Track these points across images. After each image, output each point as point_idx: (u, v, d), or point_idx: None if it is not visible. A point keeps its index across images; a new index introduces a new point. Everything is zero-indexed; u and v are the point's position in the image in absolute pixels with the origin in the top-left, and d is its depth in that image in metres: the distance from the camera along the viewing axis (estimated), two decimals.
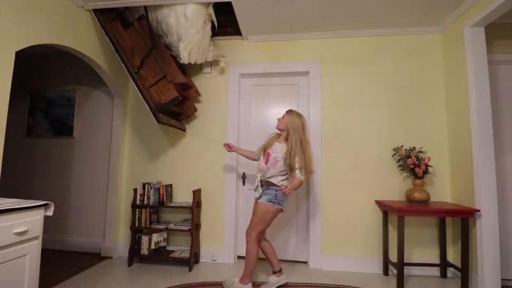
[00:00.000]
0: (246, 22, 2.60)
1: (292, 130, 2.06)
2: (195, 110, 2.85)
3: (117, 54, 2.38)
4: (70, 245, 3.06)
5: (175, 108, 2.57)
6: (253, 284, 2.13)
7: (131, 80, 2.38)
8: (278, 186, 2.07)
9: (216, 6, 2.44)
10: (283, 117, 2.17)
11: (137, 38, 2.46)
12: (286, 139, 2.12)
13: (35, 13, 1.92)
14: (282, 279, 2.21)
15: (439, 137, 2.57)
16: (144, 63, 2.39)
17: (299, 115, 2.12)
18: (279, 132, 2.23)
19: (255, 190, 2.16)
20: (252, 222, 2.12)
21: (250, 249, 2.07)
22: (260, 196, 2.11)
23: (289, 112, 2.15)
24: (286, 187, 2.02)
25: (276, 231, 2.77)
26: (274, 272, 2.22)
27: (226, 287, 2.14)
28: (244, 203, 2.84)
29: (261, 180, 2.15)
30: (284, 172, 2.09)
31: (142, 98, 2.34)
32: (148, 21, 2.45)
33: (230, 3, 2.30)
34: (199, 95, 2.87)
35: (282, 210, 2.13)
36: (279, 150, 2.11)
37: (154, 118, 2.31)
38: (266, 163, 2.12)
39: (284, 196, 2.06)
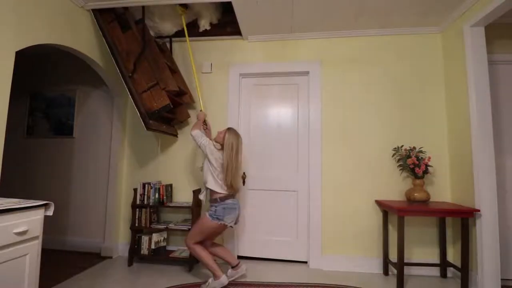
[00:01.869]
0: (246, 22, 2.60)
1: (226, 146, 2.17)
2: (188, 116, 2.85)
3: (112, 57, 2.38)
4: (70, 245, 3.06)
5: (167, 114, 2.57)
6: (253, 284, 2.12)
7: (124, 84, 2.35)
8: (215, 200, 2.16)
9: (216, 6, 2.44)
10: (223, 131, 2.26)
11: (133, 43, 2.45)
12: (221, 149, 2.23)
13: (35, 13, 1.92)
14: (240, 271, 2.27)
15: (439, 137, 2.57)
16: (137, 67, 2.37)
17: (234, 135, 2.22)
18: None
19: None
20: (191, 231, 2.20)
21: (196, 253, 2.13)
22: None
23: (229, 129, 2.26)
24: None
25: (276, 231, 2.78)
26: (232, 267, 2.27)
27: None
28: (244, 203, 2.84)
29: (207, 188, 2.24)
30: (215, 175, 2.17)
31: (133, 104, 2.32)
32: (143, 22, 2.46)
33: (230, 3, 2.30)
34: (193, 101, 2.87)
35: (226, 226, 2.13)
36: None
37: (143, 125, 2.30)
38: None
39: (224, 211, 2.10)
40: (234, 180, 2.15)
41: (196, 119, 2.61)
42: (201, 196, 2.31)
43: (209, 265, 2.10)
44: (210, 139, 2.37)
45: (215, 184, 2.17)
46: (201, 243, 2.18)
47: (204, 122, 2.53)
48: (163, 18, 2.67)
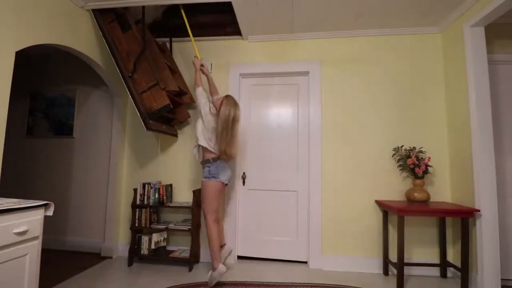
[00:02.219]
0: (246, 22, 2.60)
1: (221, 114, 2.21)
2: (188, 116, 2.86)
3: (112, 57, 2.38)
4: (70, 245, 3.06)
5: (168, 114, 2.57)
6: (253, 284, 2.13)
7: (124, 84, 2.36)
8: (208, 159, 2.23)
9: (216, 6, 2.43)
10: (221, 98, 2.30)
11: (133, 43, 2.45)
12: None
13: (35, 13, 1.92)
14: (225, 252, 2.38)
15: (439, 137, 2.57)
16: (137, 67, 2.38)
17: (232, 103, 2.25)
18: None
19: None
20: (202, 205, 2.28)
21: (210, 233, 2.19)
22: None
23: (227, 97, 2.30)
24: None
25: (276, 231, 2.78)
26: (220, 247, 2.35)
27: (209, 283, 2.17)
28: (244, 203, 2.84)
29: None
30: (206, 137, 2.25)
31: (133, 104, 2.33)
32: (143, 22, 2.45)
33: (230, 3, 2.30)
34: (193, 101, 2.87)
35: (223, 183, 2.24)
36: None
37: (143, 125, 2.31)
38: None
39: (217, 169, 2.20)
40: (228, 147, 2.19)
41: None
42: (194, 151, 2.41)
43: (214, 251, 2.16)
44: (211, 89, 2.55)
45: (206, 144, 2.25)
46: (217, 221, 2.26)
47: (202, 66, 2.53)
48: None
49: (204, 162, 2.28)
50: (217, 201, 2.23)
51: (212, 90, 2.58)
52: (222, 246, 2.40)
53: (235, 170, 2.82)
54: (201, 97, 2.30)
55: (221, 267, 2.12)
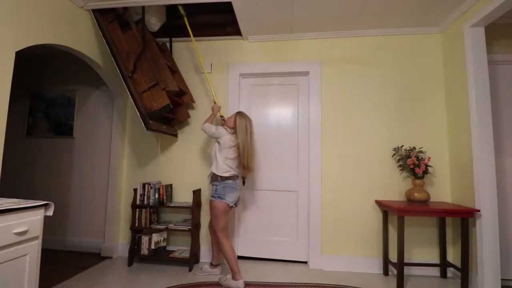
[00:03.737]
0: (246, 22, 2.60)
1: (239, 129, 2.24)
2: (188, 116, 2.86)
3: (112, 57, 2.38)
4: (70, 245, 3.06)
5: (168, 114, 2.57)
6: (253, 284, 2.12)
7: (124, 84, 2.36)
8: (216, 179, 2.20)
9: (216, 6, 2.43)
10: (232, 116, 2.35)
11: (133, 42, 2.45)
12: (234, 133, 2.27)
13: (35, 13, 1.92)
14: (215, 271, 2.41)
15: (439, 137, 2.57)
16: (137, 67, 2.37)
17: (245, 118, 2.30)
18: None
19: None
20: (212, 222, 2.25)
21: (224, 248, 2.16)
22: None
23: (239, 113, 2.33)
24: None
25: (276, 231, 2.78)
26: (211, 264, 2.44)
27: (221, 282, 2.20)
28: (244, 203, 2.84)
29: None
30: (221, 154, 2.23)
31: (133, 104, 2.32)
32: (143, 22, 2.45)
33: (230, 3, 2.30)
34: (193, 101, 2.88)
35: (228, 205, 2.18)
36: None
37: (143, 125, 2.30)
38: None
39: (224, 189, 2.17)
40: (250, 160, 2.23)
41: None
42: (208, 178, 2.38)
43: (232, 264, 2.13)
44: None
45: (215, 167, 2.22)
46: (228, 237, 2.25)
47: (222, 118, 2.59)
48: (148, 12, 2.60)
49: (212, 180, 2.25)
50: (225, 219, 2.21)
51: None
52: (216, 265, 2.44)
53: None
54: (210, 127, 2.32)
55: (240, 283, 2.10)
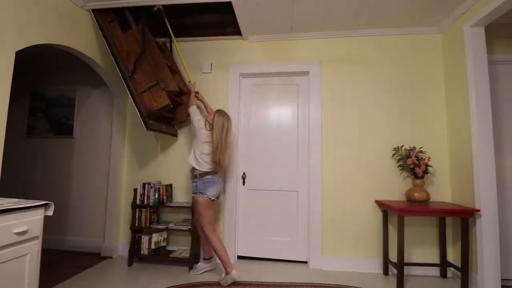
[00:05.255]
0: (246, 22, 2.60)
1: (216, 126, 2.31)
2: (188, 116, 2.84)
3: (112, 57, 2.38)
4: (70, 245, 3.06)
5: (167, 114, 2.57)
6: (253, 284, 2.12)
7: (124, 84, 2.37)
8: (195, 175, 2.30)
9: (216, 6, 2.43)
10: (213, 114, 2.40)
11: (133, 42, 2.44)
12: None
13: (35, 13, 1.92)
14: (210, 266, 2.48)
15: (439, 137, 2.57)
16: (137, 67, 2.38)
17: (224, 116, 2.36)
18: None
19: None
20: (198, 218, 2.34)
21: (212, 243, 2.23)
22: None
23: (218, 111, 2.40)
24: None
25: (276, 231, 2.78)
26: (204, 259, 2.49)
27: (221, 283, 2.21)
28: (244, 203, 2.84)
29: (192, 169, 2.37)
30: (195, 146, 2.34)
31: (133, 104, 2.33)
32: (143, 22, 2.45)
33: (230, 3, 2.30)
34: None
35: (210, 199, 2.29)
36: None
37: (143, 125, 2.31)
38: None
39: (204, 185, 2.26)
40: (222, 157, 2.29)
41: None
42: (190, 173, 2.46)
43: (222, 258, 2.19)
44: (208, 110, 2.60)
45: (194, 160, 2.33)
46: (215, 230, 2.33)
47: (196, 93, 2.63)
48: None
49: (192, 177, 2.35)
50: (209, 213, 2.29)
51: (208, 111, 2.61)
52: (209, 259, 2.50)
53: (237, 170, 2.82)
54: (195, 114, 2.41)
55: (233, 273, 2.15)
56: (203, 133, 2.32)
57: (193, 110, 2.43)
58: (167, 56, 2.83)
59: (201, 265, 2.48)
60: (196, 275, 2.41)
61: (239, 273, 2.19)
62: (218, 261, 2.49)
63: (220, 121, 2.31)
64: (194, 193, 2.30)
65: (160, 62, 2.49)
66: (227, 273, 2.17)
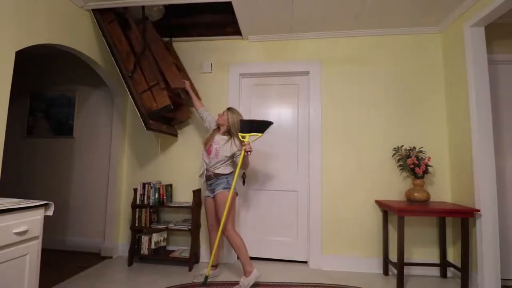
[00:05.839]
0: (246, 22, 2.60)
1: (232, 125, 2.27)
2: (188, 116, 2.87)
3: (112, 57, 2.38)
4: (70, 245, 3.06)
5: (168, 114, 2.57)
6: (253, 284, 2.12)
7: (124, 83, 2.36)
8: (225, 174, 2.26)
9: (216, 6, 2.43)
10: (223, 113, 2.32)
11: (134, 42, 2.45)
12: (226, 132, 2.32)
13: (35, 13, 1.92)
14: (217, 272, 2.41)
15: (439, 137, 2.57)
16: (137, 67, 2.37)
17: (237, 113, 2.32)
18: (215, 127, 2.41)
19: (201, 176, 2.34)
20: (223, 216, 2.16)
21: (235, 241, 2.16)
22: (214, 189, 2.27)
23: (230, 109, 2.34)
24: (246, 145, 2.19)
25: (276, 231, 2.78)
26: (212, 266, 2.32)
27: (245, 285, 2.09)
28: (244, 203, 2.84)
29: (210, 174, 2.29)
30: (226, 159, 2.27)
31: (133, 104, 2.32)
32: (144, 22, 2.45)
33: (230, 3, 2.30)
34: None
35: (237, 194, 2.41)
36: (220, 141, 2.29)
37: (143, 125, 2.31)
38: (209, 154, 2.29)
39: (233, 180, 2.23)
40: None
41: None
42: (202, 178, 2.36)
43: (244, 256, 2.12)
44: (196, 105, 2.55)
45: (225, 169, 2.30)
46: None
47: (192, 88, 2.65)
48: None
49: (219, 175, 2.26)
50: (235, 213, 2.38)
51: (197, 106, 2.57)
52: (216, 265, 2.40)
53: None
54: (207, 116, 2.48)
55: (255, 272, 2.11)
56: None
57: (207, 115, 2.48)
58: (172, 54, 2.83)
59: (214, 272, 2.37)
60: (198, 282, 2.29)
61: (259, 272, 2.14)
62: (218, 270, 2.42)
63: (235, 118, 2.27)
64: (227, 188, 2.22)
65: (168, 60, 2.49)
66: (248, 273, 2.09)
